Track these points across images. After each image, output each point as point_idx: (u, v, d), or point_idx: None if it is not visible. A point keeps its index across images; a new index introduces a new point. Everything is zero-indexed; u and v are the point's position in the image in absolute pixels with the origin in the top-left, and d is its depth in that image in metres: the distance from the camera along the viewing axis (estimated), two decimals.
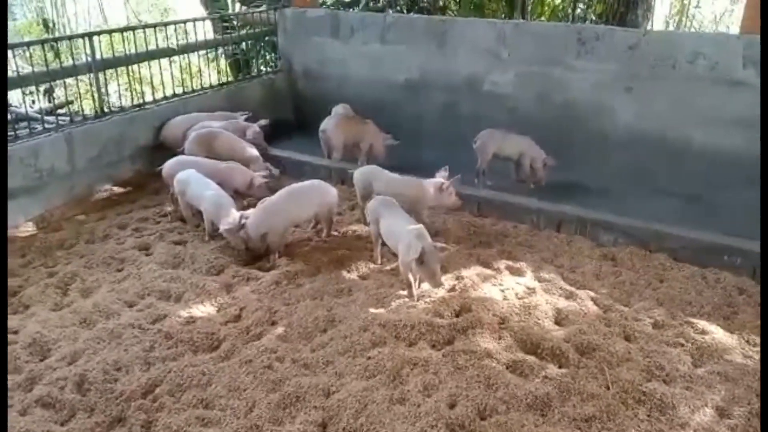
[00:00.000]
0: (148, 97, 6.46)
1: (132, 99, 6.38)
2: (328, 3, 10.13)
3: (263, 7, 7.97)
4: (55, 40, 5.55)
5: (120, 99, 6.61)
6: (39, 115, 6.42)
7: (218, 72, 7.53)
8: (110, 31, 6.02)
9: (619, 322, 3.94)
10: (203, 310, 4.08)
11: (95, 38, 5.79)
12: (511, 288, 4.28)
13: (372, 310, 4.00)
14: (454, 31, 6.69)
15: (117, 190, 5.96)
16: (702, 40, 5.89)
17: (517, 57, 6.41)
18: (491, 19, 6.55)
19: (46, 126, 5.56)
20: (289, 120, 7.78)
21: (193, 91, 6.81)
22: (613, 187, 5.81)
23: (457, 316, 3.96)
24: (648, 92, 5.89)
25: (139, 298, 4.24)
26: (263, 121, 6.28)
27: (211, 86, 7.02)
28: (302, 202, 4.75)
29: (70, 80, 6.16)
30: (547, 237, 5.06)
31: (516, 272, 4.53)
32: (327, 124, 6.33)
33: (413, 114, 6.89)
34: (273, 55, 8.67)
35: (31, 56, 5.80)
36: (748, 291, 4.32)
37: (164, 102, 6.45)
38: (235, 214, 4.63)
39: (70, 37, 5.70)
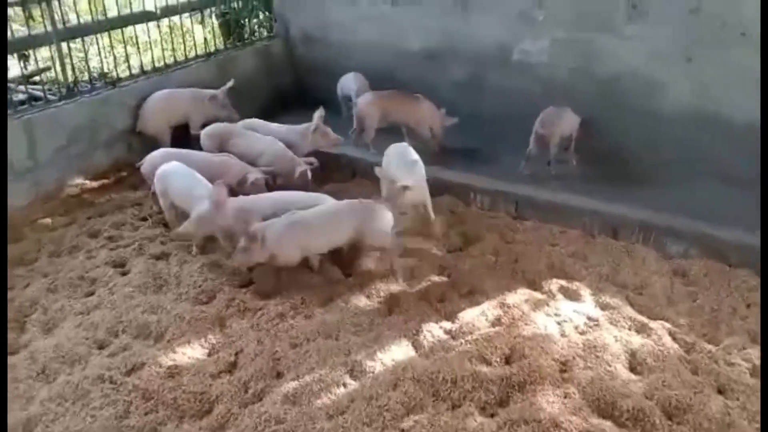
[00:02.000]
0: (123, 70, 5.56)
1: (104, 73, 5.44)
2: None
3: None
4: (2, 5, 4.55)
5: (89, 74, 5.67)
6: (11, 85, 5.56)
7: (206, 35, 6.51)
8: None
9: (708, 367, 3.17)
10: (190, 354, 3.29)
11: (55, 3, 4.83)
12: (569, 319, 3.50)
13: (400, 354, 3.21)
14: None
15: (90, 185, 5.07)
16: None
17: (554, 21, 5.45)
18: None
19: None
20: (289, 91, 6.85)
21: (176, 62, 5.85)
22: (667, 177, 4.88)
23: (507, 362, 3.19)
24: (711, 63, 4.97)
25: (112, 335, 3.45)
26: (321, 112, 5.10)
27: (197, 56, 6.06)
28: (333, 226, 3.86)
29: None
30: (603, 246, 4.24)
31: (572, 295, 3.73)
32: (361, 98, 5.39)
33: (429, 87, 5.90)
34: (267, 14, 7.65)
35: None
36: None
37: (143, 78, 5.50)
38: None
39: (23, 2, 4.74)
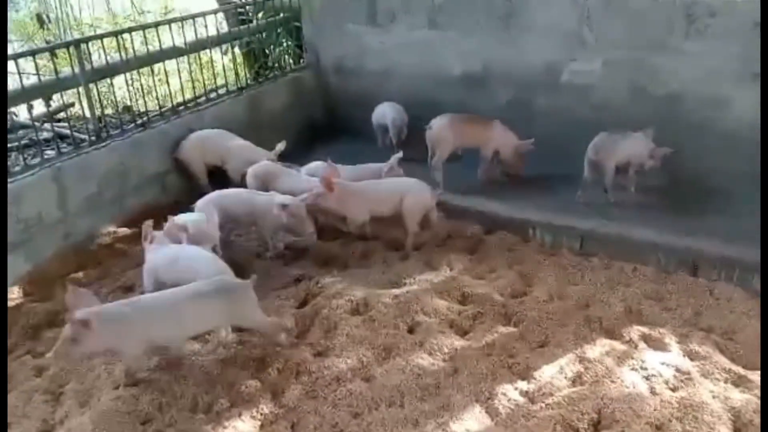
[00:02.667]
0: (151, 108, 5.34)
1: (129, 107, 5.21)
2: None
3: None
4: (34, 53, 4.36)
5: (116, 110, 5.47)
6: (36, 123, 5.40)
7: (235, 69, 6.26)
8: (100, 36, 4.82)
9: None
10: (242, 428, 2.97)
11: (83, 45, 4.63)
12: (657, 373, 3.13)
13: (475, 423, 2.87)
14: (523, 9, 5.42)
15: (122, 232, 4.83)
16: None
17: (606, 40, 5.14)
18: None
19: (28, 162, 4.42)
20: (320, 123, 6.61)
21: (208, 99, 5.64)
22: (739, 203, 4.45)
23: (596, 428, 2.83)
24: None
25: (155, 409, 3.13)
26: (399, 154, 4.80)
27: (228, 92, 5.84)
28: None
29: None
30: (682, 285, 3.86)
31: (656, 344, 3.36)
32: (436, 122, 5.15)
33: (472, 112, 5.62)
34: (292, 42, 7.42)
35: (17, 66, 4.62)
36: None
37: (174, 117, 5.28)
38: None
39: (52, 48, 4.55)
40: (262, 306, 3.48)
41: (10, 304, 4.07)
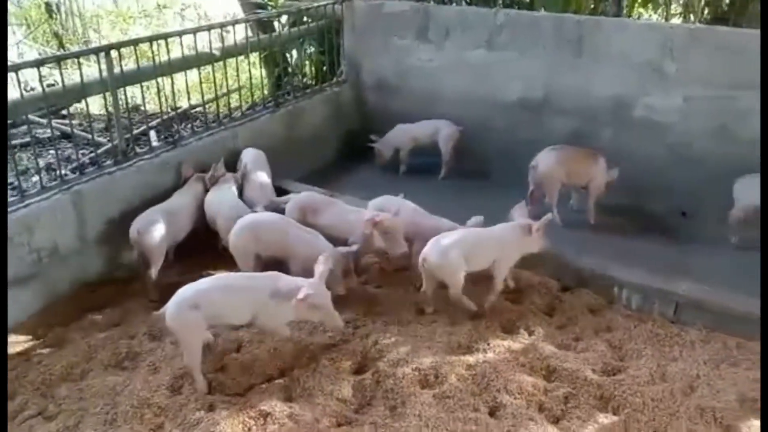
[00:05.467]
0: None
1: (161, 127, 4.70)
2: None
3: None
4: (59, 59, 3.81)
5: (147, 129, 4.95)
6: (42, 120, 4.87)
7: (255, 74, 5.67)
8: (134, 42, 4.27)
9: None
10: None
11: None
12: None
13: None
14: (596, 35, 4.95)
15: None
16: None
17: (690, 75, 4.67)
18: (653, 21, 4.78)
19: (45, 185, 3.85)
20: (357, 145, 6.06)
21: (243, 115, 5.11)
22: None
23: None
24: None
25: None
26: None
27: (266, 106, 5.32)
28: None
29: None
30: None
31: None
32: (542, 159, 4.65)
33: (529, 143, 5.03)
34: (316, 47, 6.84)
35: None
36: None
37: (206, 135, 4.74)
38: None
39: (79, 54, 3.99)
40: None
41: (16, 349, 3.51)
